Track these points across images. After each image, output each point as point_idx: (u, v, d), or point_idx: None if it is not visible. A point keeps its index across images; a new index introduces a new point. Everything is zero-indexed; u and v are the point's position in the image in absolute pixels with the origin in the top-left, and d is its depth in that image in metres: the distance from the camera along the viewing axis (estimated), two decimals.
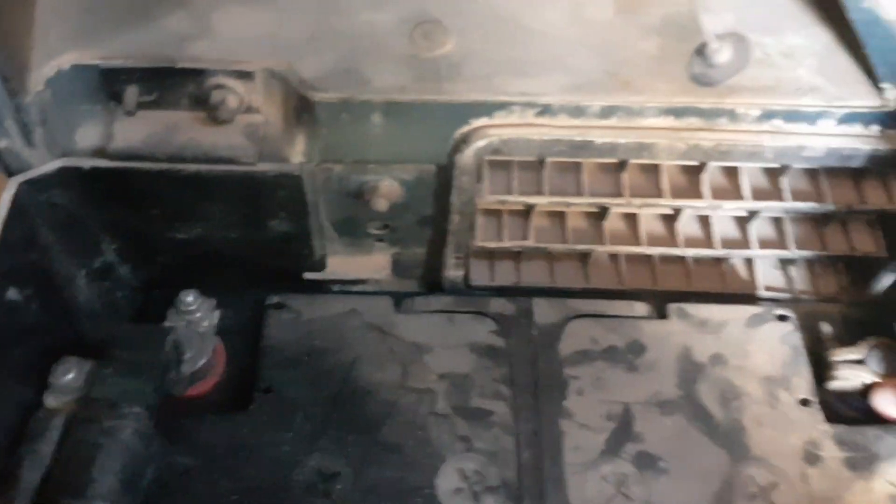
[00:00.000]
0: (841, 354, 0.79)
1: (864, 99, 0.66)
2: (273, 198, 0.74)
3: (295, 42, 0.70)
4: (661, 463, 0.74)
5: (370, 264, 0.88)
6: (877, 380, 0.77)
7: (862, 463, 0.74)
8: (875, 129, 0.67)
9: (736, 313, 0.83)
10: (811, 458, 0.74)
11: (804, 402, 0.77)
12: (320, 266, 0.87)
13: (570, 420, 0.76)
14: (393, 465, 0.73)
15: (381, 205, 0.77)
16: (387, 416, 0.76)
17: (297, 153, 0.72)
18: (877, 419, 0.77)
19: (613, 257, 0.89)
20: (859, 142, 0.68)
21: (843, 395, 0.79)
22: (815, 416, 0.76)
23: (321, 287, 0.89)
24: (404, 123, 0.69)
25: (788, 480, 0.73)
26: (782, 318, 0.82)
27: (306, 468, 0.73)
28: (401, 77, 0.68)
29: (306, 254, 0.84)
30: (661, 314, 0.84)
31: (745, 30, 0.69)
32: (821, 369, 0.80)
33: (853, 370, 0.78)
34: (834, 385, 0.79)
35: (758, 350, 0.80)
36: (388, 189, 0.76)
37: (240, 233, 0.80)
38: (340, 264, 0.88)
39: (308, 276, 0.87)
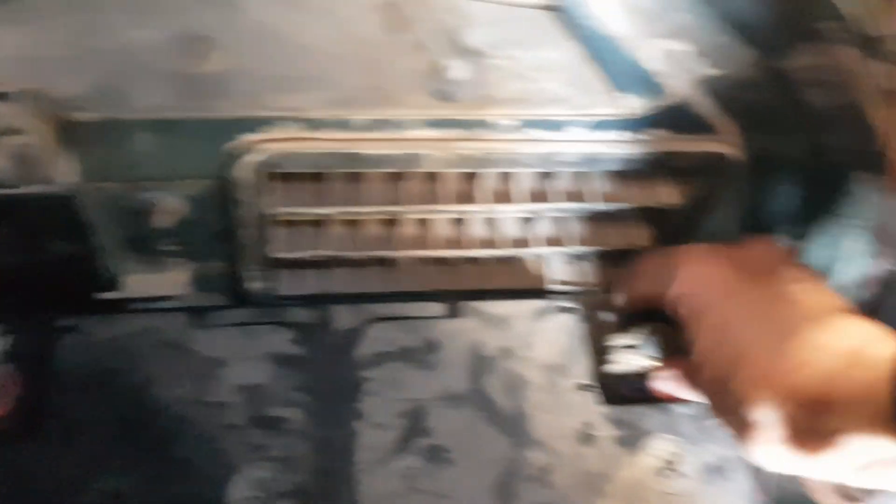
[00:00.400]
0: (618, 340, 0.85)
1: (608, 108, 0.72)
2: (46, 220, 0.72)
3: (56, 62, 0.69)
4: (449, 455, 0.78)
5: (168, 281, 0.87)
6: (653, 363, 0.84)
7: (631, 440, 0.80)
8: (621, 134, 0.73)
9: (523, 307, 0.88)
10: (586, 438, 0.80)
11: (582, 387, 0.83)
12: (113, 286, 0.85)
13: (363, 421, 0.79)
14: (184, 480, 0.74)
15: (165, 221, 0.76)
16: (179, 433, 0.76)
17: (67, 174, 0.71)
18: (648, 399, 0.84)
19: (415, 261, 0.93)
20: (608, 147, 0.73)
21: (621, 378, 0.85)
22: (591, 399, 0.82)
23: (119, 307, 0.87)
24: (173, 141, 0.69)
25: (564, 460, 0.78)
26: (565, 309, 0.88)
27: (93, 491, 0.72)
28: (166, 94, 0.68)
29: (95, 274, 0.82)
30: (455, 313, 0.88)
31: (505, 45, 0.74)
32: (602, 355, 0.86)
33: (629, 354, 0.85)
34: (612, 369, 0.85)
35: (542, 341, 0.86)
36: (171, 206, 0.76)
37: (19, 256, 0.78)
38: (136, 282, 0.86)
39: (102, 296, 0.85)
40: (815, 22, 0.67)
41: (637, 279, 0.81)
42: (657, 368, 0.83)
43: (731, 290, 0.65)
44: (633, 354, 0.85)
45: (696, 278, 0.68)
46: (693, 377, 0.75)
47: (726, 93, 0.71)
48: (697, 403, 0.81)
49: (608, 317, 0.89)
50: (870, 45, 0.60)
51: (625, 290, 0.83)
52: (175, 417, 0.77)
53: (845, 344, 0.55)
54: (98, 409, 0.76)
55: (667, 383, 0.81)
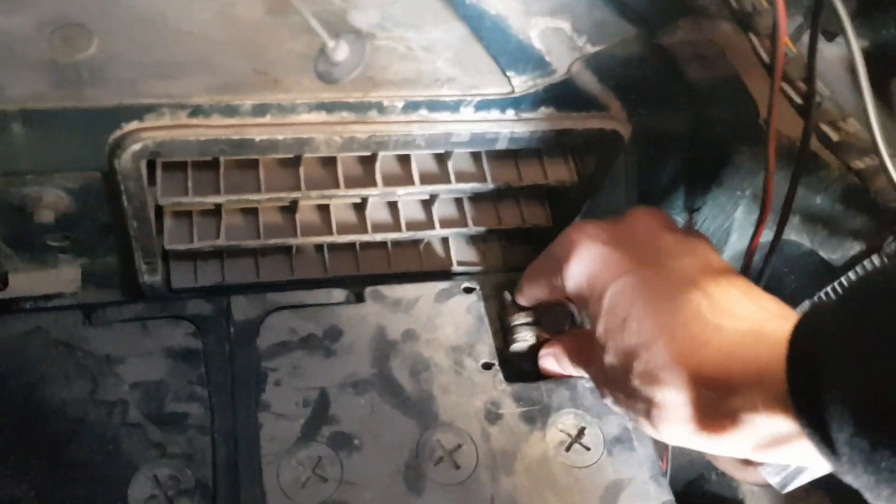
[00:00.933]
0: (517, 318, 0.86)
1: (496, 87, 0.72)
2: None
3: None
4: (355, 441, 0.77)
5: (58, 278, 0.85)
6: (546, 337, 0.85)
7: (537, 415, 0.81)
8: (510, 113, 0.74)
9: (427, 290, 0.88)
10: (492, 416, 0.81)
11: (486, 366, 0.84)
12: (1, 285, 0.82)
13: (267, 412, 0.78)
14: (81, 482, 0.71)
15: (47, 216, 0.74)
16: (74, 434, 0.74)
17: None
18: (549, 375, 0.85)
19: (317, 248, 0.92)
20: (498, 126, 0.74)
21: (522, 356, 0.86)
22: (496, 377, 0.83)
23: (8, 307, 0.84)
24: (48, 132, 0.66)
25: (472, 440, 0.79)
26: (468, 290, 0.88)
27: None
28: (39, 84, 0.65)
29: None
30: (359, 298, 0.87)
31: (392, 26, 0.74)
32: (504, 334, 0.87)
33: (528, 332, 0.86)
34: (514, 347, 0.86)
35: (446, 322, 0.86)
36: (53, 200, 0.74)
37: None
38: (24, 281, 0.84)
39: None
40: None
41: (530, 285, 0.81)
42: (544, 344, 0.84)
43: (623, 270, 0.64)
44: (532, 331, 0.85)
45: (585, 268, 0.67)
46: (586, 356, 0.75)
47: (610, 69, 0.72)
48: (585, 379, 0.83)
49: (509, 296, 0.90)
50: (745, 19, 0.63)
51: (522, 295, 0.84)
52: (71, 419, 0.74)
53: (743, 323, 0.55)
54: None
55: (549, 360, 0.82)
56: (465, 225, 0.89)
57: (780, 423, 0.51)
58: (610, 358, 0.64)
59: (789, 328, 0.49)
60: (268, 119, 0.70)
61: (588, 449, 0.81)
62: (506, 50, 0.70)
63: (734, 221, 0.82)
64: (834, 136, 0.63)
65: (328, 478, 0.75)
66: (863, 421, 0.41)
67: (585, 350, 0.75)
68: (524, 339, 0.85)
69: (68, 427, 0.74)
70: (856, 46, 0.53)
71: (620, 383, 0.64)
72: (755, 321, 0.56)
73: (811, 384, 0.45)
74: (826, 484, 0.57)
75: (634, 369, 0.61)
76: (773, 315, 0.57)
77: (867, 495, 0.43)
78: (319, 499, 0.74)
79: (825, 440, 0.44)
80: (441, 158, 0.83)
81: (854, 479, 0.43)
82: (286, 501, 0.73)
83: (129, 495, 0.71)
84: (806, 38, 0.71)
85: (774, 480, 0.61)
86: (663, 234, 0.66)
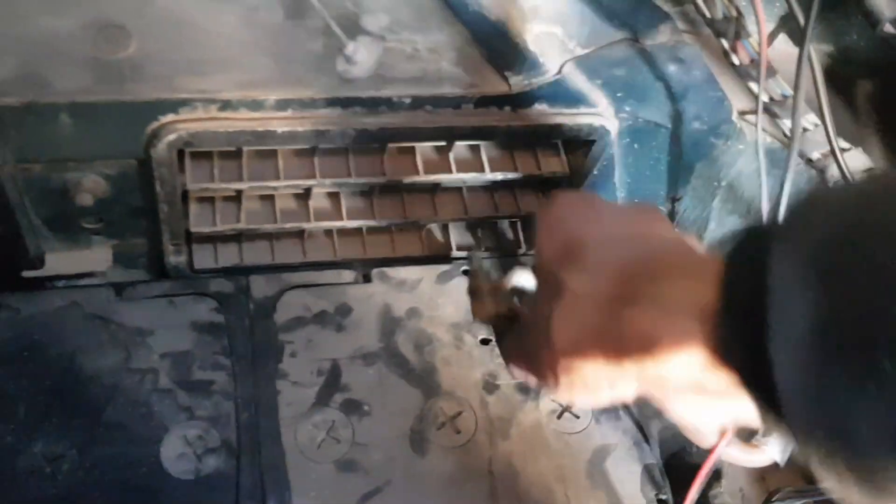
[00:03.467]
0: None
1: (494, 86, 0.80)
2: None
3: None
4: (364, 407, 0.85)
5: (91, 258, 0.92)
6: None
7: (531, 387, 0.89)
8: (507, 109, 0.81)
9: (429, 272, 0.95)
10: (490, 387, 0.88)
11: (484, 342, 0.91)
12: (39, 264, 0.89)
13: (284, 380, 0.85)
14: (117, 441, 0.79)
15: (86, 200, 0.81)
16: (110, 399, 0.81)
17: None
18: None
19: (327, 232, 1.00)
20: (496, 121, 0.82)
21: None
22: (493, 352, 0.91)
23: (43, 285, 0.91)
24: (92, 123, 0.74)
25: (471, 408, 0.86)
26: (466, 272, 0.96)
27: (30, 454, 0.77)
28: (84, 79, 0.73)
29: (21, 253, 0.86)
30: (367, 279, 0.95)
31: (400, 29, 0.81)
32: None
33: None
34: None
35: (447, 302, 0.93)
36: (92, 185, 0.81)
37: None
38: (60, 260, 0.91)
39: (27, 274, 0.89)
40: (668, 5, 0.76)
41: None
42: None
43: (589, 216, 0.53)
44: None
45: (556, 217, 0.55)
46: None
47: (598, 69, 0.80)
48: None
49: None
50: (717, 26, 0.70)
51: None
52: (105, 385, 0.82)
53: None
54: (29, 381, 0.80)
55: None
56: (465, 213, 0.96)
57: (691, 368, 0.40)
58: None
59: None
60: (289, 113, 0.77)
61: (577, 417, 0.88)
62: (503, 52, 0.78)
63: (712, 210, 0.90)
64: (797, 131, 0.71)
65: (341, 439, 0.83)
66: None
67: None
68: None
69: (104, 392, 0.82)
70: (814, 55, 0.60)
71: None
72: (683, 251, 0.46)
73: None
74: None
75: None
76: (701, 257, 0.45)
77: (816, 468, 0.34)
78: (333, 457, 0.82)
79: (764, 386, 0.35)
80: (443, 151, 0.91)
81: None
82: (303, 459, 0.81)
83: (161, 453, 0.79)
84: (777, 42, 0.79)
85: (782, 458, 0.62)
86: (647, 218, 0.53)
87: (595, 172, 0.92)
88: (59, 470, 0.77)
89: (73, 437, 0.78)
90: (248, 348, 0.87)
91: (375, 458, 0.82)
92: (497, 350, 0.91)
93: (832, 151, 0.62)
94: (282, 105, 0.76)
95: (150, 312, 0.87)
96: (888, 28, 0.62)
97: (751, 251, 0.37)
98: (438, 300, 0.93)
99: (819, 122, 0.68)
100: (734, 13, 0.66)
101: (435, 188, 0.95)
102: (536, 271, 0.56)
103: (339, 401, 0.85)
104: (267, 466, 0.80)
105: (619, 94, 0.82)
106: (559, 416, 0.88)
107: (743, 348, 0.37)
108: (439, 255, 1.01)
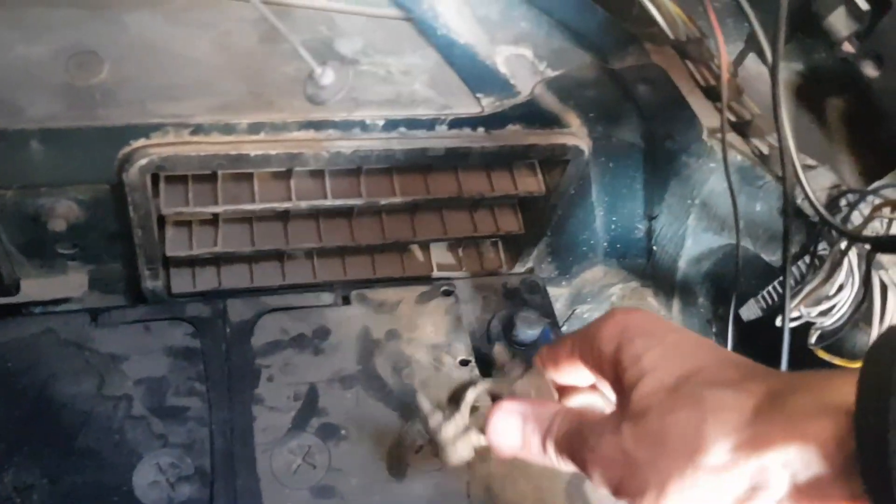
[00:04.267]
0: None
1: (467, 107, 0.80)
2: None
3: None
4: (341, 431, 0.84)
5: (67, 284, 0.92)
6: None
7: None
8: (481, 130, 0.82)
9: (408, 293, 0.95)
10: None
11: (463, 363, 0.91)
12: (13, 290, 0.89)
13: (260, 405, 0.84)
14: (90, 469, 0.78)
15: (59, 225, 0.81)
16: (82, 426, 0.80)
17: None
18: None
19: (307, 254, 0.99)
20: (470, 142, 0.82)
21: None
22: (472, 373, 0.90)
23: (19, 311, 0.91)
24: (64, 149, 0.74)
25: None
26: (447, 293, 0.96)
27: (3, 484, 0.76)
28: (56, 105, 0.73)
29: None
30: (346, 301, 0.94)
31: (373, 52, 0.81)
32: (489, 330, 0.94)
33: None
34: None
35: (426, 323, 0.93)
36: (65, 210, 0.81)
37: None
38: (35, 287, 0.90)
39: (1, 301, 0.89)
40: (636, 28, 0.77)
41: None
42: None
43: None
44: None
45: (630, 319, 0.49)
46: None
47: (569, 90, 0.80)
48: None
49: (492, 297, 0.94)
50: (680, 47, 0.71)
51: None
52: (78, 412, 0.81)
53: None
54: (2, 409, 0.79)
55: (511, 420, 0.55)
56: (444, 233, 0.96)
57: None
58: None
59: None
60: (262, 136, 0.77)
61: None
62: (474, 74, 0.78)
63: (688, 228, 0.90)
64: (765, 150, 0.71)
65: (317, 465, 0.82)
66: None
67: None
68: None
69: (77, 419, 0.81)
70: (779, 74, 0.61)
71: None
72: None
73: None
74: None
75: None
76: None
77: None
78: (309, 484, 0.81)
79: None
80: (420, 171, 0.91)
81: None
82: (278, 486, 0.80)
83: (134, 481, 0.78)
84: (747, 61, 0.80)
85: None
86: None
87: (572, 192, 0.93)
88: (28, 500, 0.75)
89: (44, 466, 0.77)
90: (224, 373, 0.86)
91: (352, 483, 0.81)
92: (476, 372, 0.91)
93: (793, 170, 0.62)
94: (254, 128, 0.77)
95: (125, 338, 0.86)
96: (846, 47, 0.63)
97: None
98: (418, 321, 0.93)
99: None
100: (697, 34, 0.66)
101: (414, 208, 0.95)
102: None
103: (316, 425, 0.84)
104: (241, 494, 0.79)
105: (591, 115, 0.83)
106: None
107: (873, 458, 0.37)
108: (420, 276, 1.01)
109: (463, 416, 0.56)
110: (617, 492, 0.46)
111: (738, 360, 0.45)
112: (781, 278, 0.79)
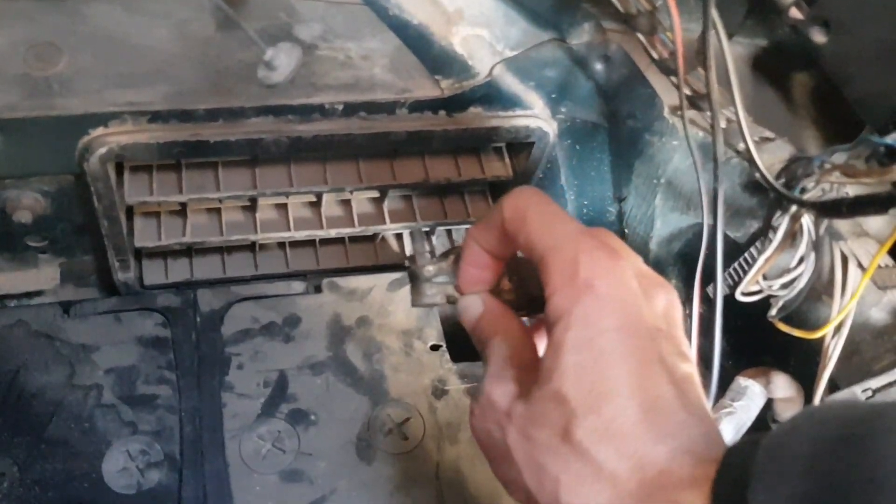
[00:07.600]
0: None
1: (427, 90, 0.80)
2: None
3: None
4: (311, 416, 0.84)
5: (38, 277, 0.92)
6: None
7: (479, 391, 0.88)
8: (442, 113, 0.82)
9: (380, 280, 0.95)
10: (438, 392, 0.88)
11: (434, 348, 0.91)
12: None
13: (230, 392, 0.85)
14: (59, 457, 0.79)
15: (25, 217, 0.81)
16: (53, 415, 0.81)
17: None
18: None
19: (279, 244, 1.00)
20: (431, 125, 0.82)
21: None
22: (442, 357, 0.90)
23: None
24: (23, 139, 0.74)
25: (419, 413, 0.86)
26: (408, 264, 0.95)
27: None
28: (12, 96, 0.73)
29: None
30: (317, 289, 0.94)
31: (333, 37, 0.81)
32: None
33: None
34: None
35: (397, 309, 0.93)
36: (30, 202, 0.81)
37: None
38: (6, 280, 0.91)
39: None
40: (593, 5, 0.76)
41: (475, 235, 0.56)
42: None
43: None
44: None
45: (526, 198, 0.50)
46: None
47: (528, 71, 0.80)
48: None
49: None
50: (630, 21, 0.70)
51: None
52: (48, 401, 0.81)
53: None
54: None
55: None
56: (414, 220, 0.96)
57: None
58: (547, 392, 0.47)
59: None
60: (220, 123, 0.78)
61: None
62: (431, 55, 0.78)
63: (656, 208, 0.89)
64: (723, 124, 0.71)
65: (286, 449, 0.82)
66: None
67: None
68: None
69: (48, 408, 0.81)
70: (726, 46, 0.60)
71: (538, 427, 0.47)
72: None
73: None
74: None
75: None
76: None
77: None
78: (278, 468, 0.81)
79: None
80: (385, 157, 0.91)
81: None
82: (247, 471, 0.80)
83: (103, 468, 0.79)
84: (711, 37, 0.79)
85: None
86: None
87: (540, 175, 0.92)
88: None
89: (14, 455, 0.78)
90: (194, 362, 0.86)
91: (321, 466, 0.81)
92: (446, 356, 0.91)
93: (745, 144, 0.62)
94: (212, 115, 0.77)
95: (95, 329, 0.87)
96: (793, 13, 0.62)
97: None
98: (389, 308, 0.93)
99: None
100: (647, 7, 0.66)
101: (383, 196, 0.95)
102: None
103: (286, 411, 0.84)
104: (210, 478, 0.79)
105: (553, 96, 0.83)
106: None
107: None
108: (393, 264, 1.01)
109: (448, 264, 0.58)
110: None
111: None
112: (745, 253, 0.78)
